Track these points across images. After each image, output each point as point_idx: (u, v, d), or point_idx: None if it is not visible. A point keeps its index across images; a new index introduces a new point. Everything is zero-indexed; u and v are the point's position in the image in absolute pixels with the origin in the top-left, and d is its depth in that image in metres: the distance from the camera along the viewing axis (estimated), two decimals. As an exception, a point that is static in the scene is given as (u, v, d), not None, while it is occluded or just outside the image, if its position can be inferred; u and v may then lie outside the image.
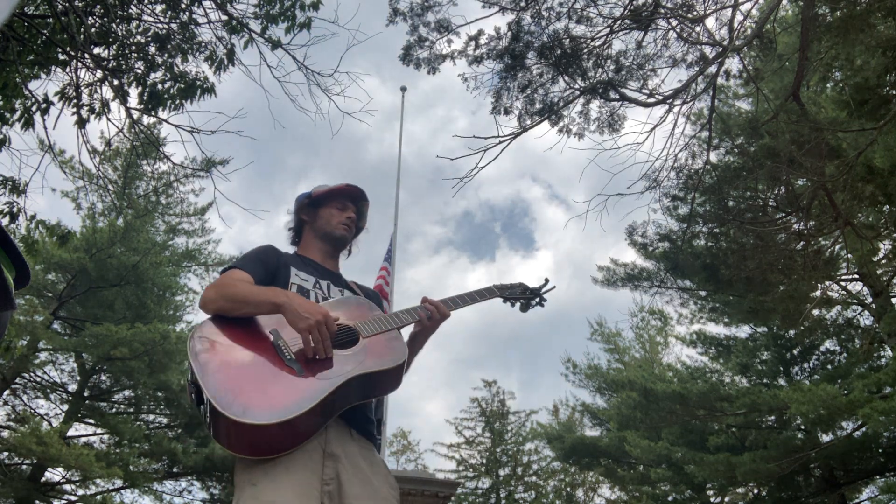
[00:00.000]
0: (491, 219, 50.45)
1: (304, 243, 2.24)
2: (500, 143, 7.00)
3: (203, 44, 5.28)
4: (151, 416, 16.42)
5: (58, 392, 15.50)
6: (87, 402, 15.44)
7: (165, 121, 5.29)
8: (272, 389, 1.60)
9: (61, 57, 4.86)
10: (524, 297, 2.28)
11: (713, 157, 8.46)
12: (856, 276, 11.78)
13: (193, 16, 5.27)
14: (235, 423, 1.49)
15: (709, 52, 7.17)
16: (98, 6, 4.93)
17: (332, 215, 2.19)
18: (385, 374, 1.79)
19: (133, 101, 5.20)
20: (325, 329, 1.69)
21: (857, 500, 14.71)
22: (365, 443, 1.85)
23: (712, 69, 7.07)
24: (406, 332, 2.03)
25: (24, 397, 15.16)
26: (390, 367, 1.79)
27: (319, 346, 1.69)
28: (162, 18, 5.28)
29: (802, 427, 13.12)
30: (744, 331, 15.51)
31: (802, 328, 11.44)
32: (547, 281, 2.35)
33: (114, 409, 16.07)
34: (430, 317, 2.02)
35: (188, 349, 1.72)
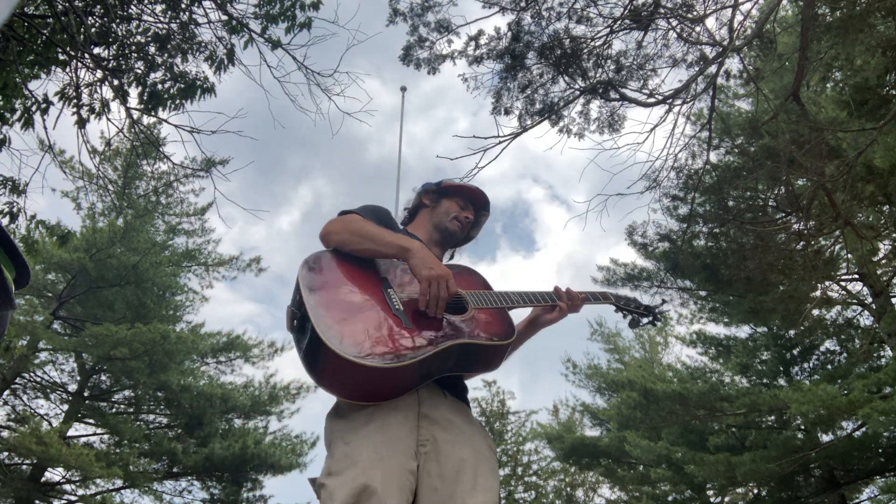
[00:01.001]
0: (492, 219, 49.91)
1: (415, 224, 2.22)
2: (500, 143, 7.00)
3: (203, 44, 5.28)
4: (151, 416, 16.42)
5: (58, 392, 15.50)
6: (87, 402, 15.44)
7: (165, 121, 5.30)
8: (378, 335, 1.57)
9: (61, 57, 4.86)
10: (637, 311, 2.22)
11: (713, 157, 8.46)
12: (856, 276, 11.78)
13: (193, 16, 5.27)
14: (343, 360, 1.47)
15: (709, 52, 7.17)
16: (98, 6, 4.93)
17: (451, 209, 2.16)
18: (488, 351, 1.74)
19: (133, 101, 5.20)
20: (445, 285, 1.65)
21: (857, 500, 14.70)
22: (460, 404, 1.79)
23: (712, 69, 7.07)
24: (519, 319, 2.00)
25: (24, 397, 15.17)
26: (495, 344, 1.73)
27: (434, 301, 1.64)
28: (162, 18, 5.29)
29: (802, 427, 13.12)
30: (744, 331, 15.50)
31: (802, 328, 11.43)
32: (664, 301, 2.39)
33: (114, 409, 16.07)
34: (558, 308, 1.97)
35: (299, 275, 1.67)
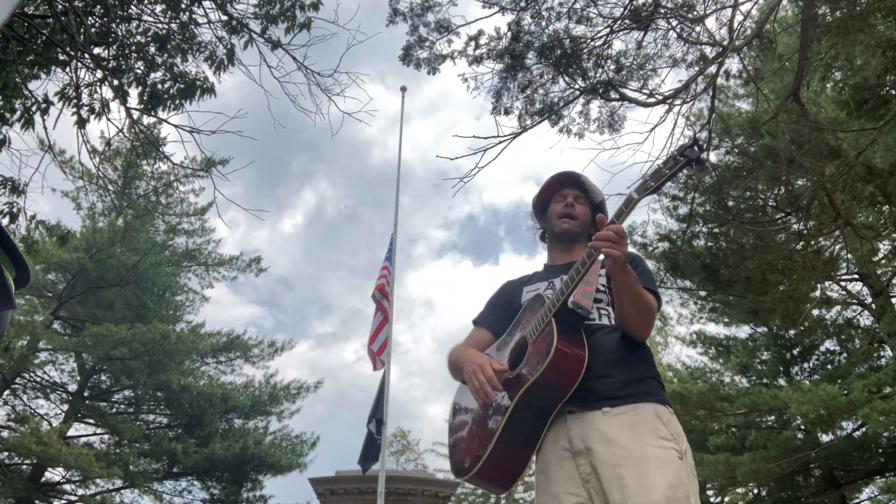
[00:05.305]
0: (495, 222, 50.58)
1: (548, 251, 2.13)
2: (500, 142, 7.00)
3: (203, 44, 5.28)
4: (151, 416, 16.43)
5: (58, 392, 15.51)
6: (87, 402, 15.44)
7: (165, 121, 5.30)
8: (474, 439, 1.79)
9: (61, 57, 4.86)
10: (675, 168, 1.56)
11: (713, 157, 8.46)
12: (856, 276, 11.78)
13: (193, 16, 5.27)
14: (465, 480, 1.76)
15: (709, 52, 7.16)
16: (98, 6, 4.93)
17: (552, 212, 2.05)
18: (548, 376, 1.59)
19: (133, 101, 5.20)
20: (481, 374, 1.72)
21: (857, 500, 14.70)
22: (622, 409, 1.63)
23: (712, 69, 7.07)
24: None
25: (24, 397, 15.17)
26: (544, 370, 1.58)
27: (478, 391, 1.71)
28: (162, 18, 5.28)
29: (802, 427, 13.12)
30: (744, 331, 15.52)
31: (802, 328, 11.42)
32: (696, 136, 1.58)
33: (114, 409, 16.07)
34: (600, 253, 1.59)
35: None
